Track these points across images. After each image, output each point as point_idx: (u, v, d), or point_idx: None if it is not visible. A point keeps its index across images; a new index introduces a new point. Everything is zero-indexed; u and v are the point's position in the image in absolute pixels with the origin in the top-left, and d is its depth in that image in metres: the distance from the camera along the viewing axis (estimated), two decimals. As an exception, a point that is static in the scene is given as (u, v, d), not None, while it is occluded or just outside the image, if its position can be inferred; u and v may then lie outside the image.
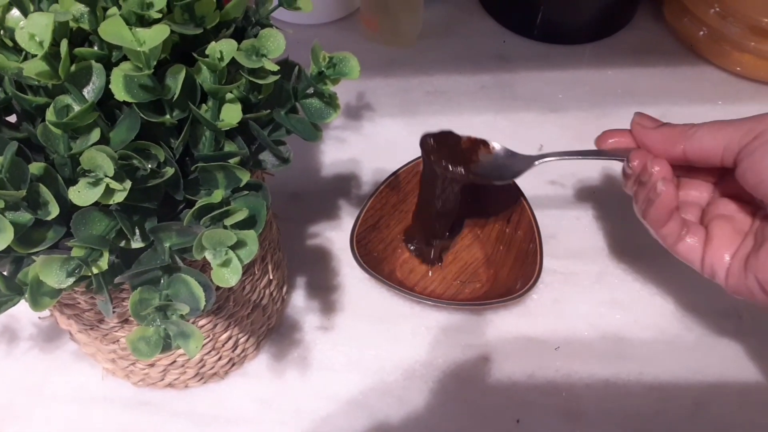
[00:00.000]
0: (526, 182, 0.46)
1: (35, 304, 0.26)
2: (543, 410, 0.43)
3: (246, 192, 0.29)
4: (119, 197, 0.25)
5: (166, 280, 0.27)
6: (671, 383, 0.43)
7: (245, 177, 0.29)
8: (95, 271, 0.26)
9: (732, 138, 0.35)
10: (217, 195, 0.28)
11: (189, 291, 0.26)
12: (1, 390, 0.44)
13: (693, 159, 0.37)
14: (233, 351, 0.42)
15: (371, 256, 0.47)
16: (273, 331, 0.46)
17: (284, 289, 0.46)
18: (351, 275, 0.48)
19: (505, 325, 0.46)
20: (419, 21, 0.64)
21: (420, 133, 0.57)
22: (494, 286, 0.47)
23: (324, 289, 0.48)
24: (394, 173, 0.49)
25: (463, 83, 0.61)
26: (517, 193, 0.47)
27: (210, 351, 0.40)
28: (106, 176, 0.25)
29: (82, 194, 0.25)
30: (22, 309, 0.46)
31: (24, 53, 0.27)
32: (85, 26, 0.27)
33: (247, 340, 0.43)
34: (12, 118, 0.30)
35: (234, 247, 0.26)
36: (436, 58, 0.63)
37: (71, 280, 0.25)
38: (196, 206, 0.27)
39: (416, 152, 0.50)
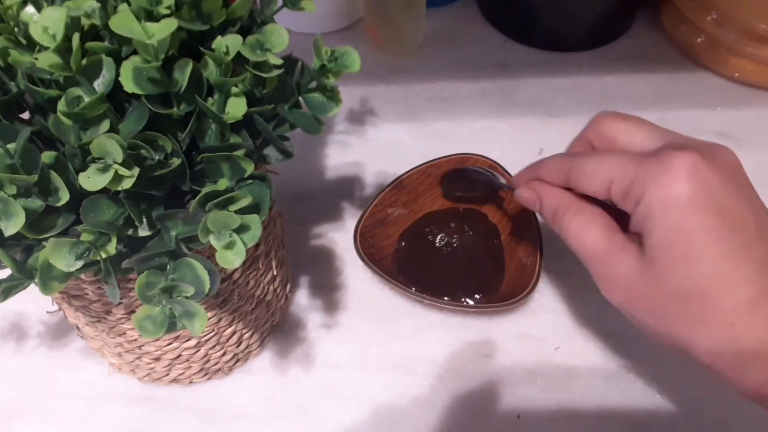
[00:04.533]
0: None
1: (45, 288, 0.27)
2: (543, 406, 0.43)
3: (250, 181, 0.30)
4: (127, 183, 0.26)
5: (172, 265, 0.28)
6: (670, 380, 0.44)
7: (249, 168, 0.29)
8: (103, 255, 0.27)
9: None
10: (222, 183, 0.29)
11: (194, 274, 0.27)
12: (9, 387, 0.45)
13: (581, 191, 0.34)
14: (237, 347, 0.43)
15: (374, 252, 0.47)
16: (277, 328, 0.46)
17: (288, 287, 0.47)
18: (354, 275, 0.49)
19: (506, 322, 0.47)
20: (421, 30, 0.65)
21: (422, 137, 0.58)
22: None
23: (327, 288, 0.49)
24: (400, 177, 0.50)
25: (464, 89, 0.62)
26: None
27: (214, 346, 0.41)
28: (115, 162, 0.25)
29: (91, 179, 0.25)
30: (30, 306, 0.48)
31: (37, 47, 0.28)
32: (96, 22, 0.29)
33: (251, 336, 0.43)
34: (25, 116, 0.32)
35: (238, 231, 0.27)
36: (438, 66, 0.64)
37: (80, 263, 0.26)
38: (202, 193, 0.28)
39: (418, 155, 0.51)
